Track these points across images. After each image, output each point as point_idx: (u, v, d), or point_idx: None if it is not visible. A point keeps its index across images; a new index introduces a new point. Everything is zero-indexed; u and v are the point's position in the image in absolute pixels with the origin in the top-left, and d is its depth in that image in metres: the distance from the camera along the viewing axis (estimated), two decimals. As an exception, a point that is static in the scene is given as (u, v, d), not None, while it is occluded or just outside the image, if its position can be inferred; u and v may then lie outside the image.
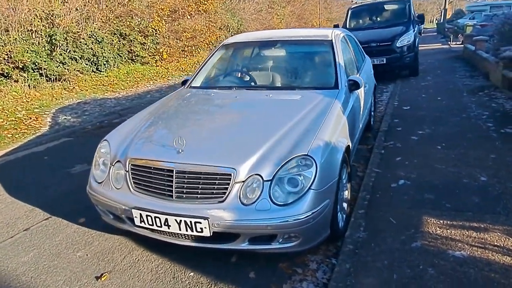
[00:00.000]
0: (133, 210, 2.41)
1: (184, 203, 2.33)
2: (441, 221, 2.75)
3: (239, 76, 3.82)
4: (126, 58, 11.26)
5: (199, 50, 14.01)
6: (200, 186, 2.31)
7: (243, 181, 2.26)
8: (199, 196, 2.32)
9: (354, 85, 3.35)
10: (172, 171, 2.36)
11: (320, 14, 24.47)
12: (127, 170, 2.54)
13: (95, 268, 2.63)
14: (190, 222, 2.27)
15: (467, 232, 2.59)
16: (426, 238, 2.57)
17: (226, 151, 2.42)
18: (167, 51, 12.29)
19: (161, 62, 12.24)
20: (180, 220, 2.29)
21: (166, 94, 9.21)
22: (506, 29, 6.84)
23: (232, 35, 16.96)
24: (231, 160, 2.32)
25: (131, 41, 11.22)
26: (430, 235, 2.60)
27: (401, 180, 3.48)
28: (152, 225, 2.39)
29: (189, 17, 13.23)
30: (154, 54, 12.01)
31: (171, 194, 2.36)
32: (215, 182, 2.29)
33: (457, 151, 4.04)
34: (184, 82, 3.98)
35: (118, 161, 2.62)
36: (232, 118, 2.88)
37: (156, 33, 11.91)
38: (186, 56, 13.45)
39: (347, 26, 9.69)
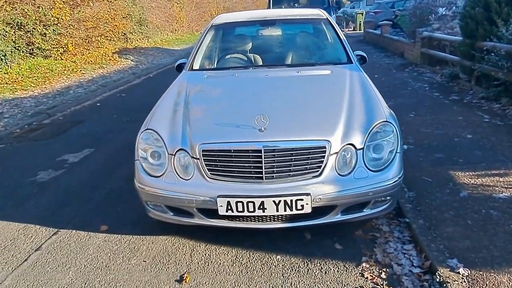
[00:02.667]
0: (218, 199, 2.20)
1: (276, 183, 2.22)
2: (467, 173, 3.14)
3: (245, 56, 3.68)
4: (25, 51, 9.72)
5: (105, 41, 12.81)
6: (292, 163, 2.23)
7: (336, 152, 2.25)
8: (291, 173, 2.23)
9: (362, 59, 3.54)
10: (259, 151, 2.21)
11: (218, 4, 24.45)
12: (198, 157, 2.29)
13: (167, 272, 2.34)
14: (291, 201, 2.18)
15: (494, 178, 3.02)
16: (467, 188, 2.91)
17: (313, 124, 2.37)
18: (72, 42, 10.95)
19: (66, 55, 10.87)
20: (279, 201, 2.18)
21: (90, 90, 8.35)
22: (418, 13, 7.89)
23: (135, 25, 15.93)
24: (323, 132, 2.29)
25: (30, 31, 9.71)
26: (468, 185, 2.95)
27: (404, 145, 3.82)
28: (243, 211, 2.22)
29: (91, 4, 11.95)
30: (57, 46, 10.59)
31: (260, 175, 2.22)
32: (309, 157, 2.24)
33: (429, 117, 4.59)
34: (179, 67, 3.68)
35: (181, 149, 2.35)
36: (285, 93, 2.79)
37: (58, 23, 10.49)
38: (91, 47, 12.17)
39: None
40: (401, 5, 14.07)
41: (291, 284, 2.18)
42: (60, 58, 10.63)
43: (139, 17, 16.13)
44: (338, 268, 2.28)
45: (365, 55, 3.57)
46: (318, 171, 2.24)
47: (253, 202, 2.19)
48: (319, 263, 2.34)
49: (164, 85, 9.24)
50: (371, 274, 2.21)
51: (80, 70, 10.16)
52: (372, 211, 2.37)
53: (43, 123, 6.08)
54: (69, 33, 10.98)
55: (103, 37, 12.65)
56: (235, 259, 2.43)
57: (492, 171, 3.12)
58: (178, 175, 2.32)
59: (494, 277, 2.04)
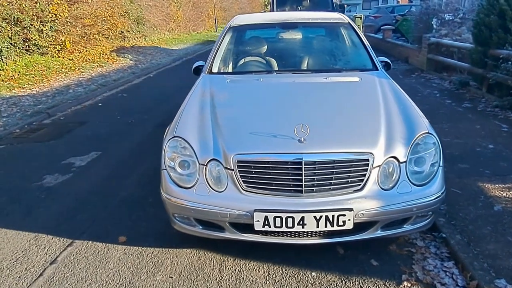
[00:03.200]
0: (255, 214, 2.07)
1: (316, 197, 2.10)
2: (497, 185, 3.06)
3: (266, 59, 3.55)
4: (21, 48, 9.46)
5: (103, 39, 12.57)
6: (333, 176, 2.11)
7: (379, 165, 2.14)
8: (332, 187, 2.11)
9: (386, 66, 3.44)
10: (299, 163, 2.09)
11: (214, 4, 24.23)
12: (232, 168, 2.16)
13: (197, 289, 2.20)
14: (333, 216, 2.06)
15: (526, 191, 2.94)
16: (500, 201, 2.83)
17: (354, 135, 2.25)
18: (70, 39, 10.70)
19: (64, 53, 10.61)
20: (321, 216, 2.06)
21: (90, 89, 8.13)
22: (424, 19, 7.85)
23: (132, 23, 15.68)
24: (366, 144, 2.17)
25: (26, 27, 9.44)
26: (501, 198, 2.87)
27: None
28: (281, 227, 2.09)
29: (89, 0, 11.70)
30: (54, 43, 10.33)
31: (300, 189, 2.10)
32: (350, 170, 2.12)
33: (446, 125, 4.51)
34: (197, 69, 3.53)
35: (213, 159, 2.21)
36: (318, 101, 2.65)
37: (55, 19, 10.24)
38: (88, 45, 11.92)
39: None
40: (402, 10, 14.10)
41: (330, 304, 2.06)
42: (57, 56, 10.38)
43: (137, 15, 15.89)
44: (378, 287, 2.17)
45: (389, 61, 3.47)
46: (360, 184, 2.12)
47: (293, 218, 2.06)
48: (357, 281, 2.22)
49: (165, 85, 9.15)
50: (415, 294, 2.10)
51: (78, 69, 9.91)
52: (412, 227, 2.26)
53: (44, 123, 5.87)
54: (67, 30, 10.73)
55: (100, 35, 12.41)
56: (268, 275, 2.30)
57: (522, 184, 3.05)
58: (211, 187, 2.18)
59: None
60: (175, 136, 2.37)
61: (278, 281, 2.24)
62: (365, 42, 3.53)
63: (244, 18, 3.95)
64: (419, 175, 2.20)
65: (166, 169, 2.31)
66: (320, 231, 2.14)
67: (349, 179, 2.12)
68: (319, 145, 2.14)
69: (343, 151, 2.13)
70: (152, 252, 2.55)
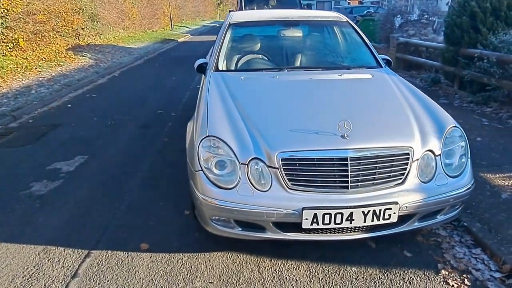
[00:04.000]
0: (304, 212, 2.05)
1: (361, 192, 2.12)
2: (497, 175, 3.27)
3: (271, 57, 3.51)
4: (-32, 45, 8.64)
5: (58, 37, 11.79)
6: (376, 171, 2.14)
7: (418, 159, 2.20)
8: (375, 181, 2.14)
9: (388, 63, 3.55)
10: (345, 159, 2.10)
11: (170, 1, 23.63)
12: (277, 167, 2.11)
13: (242, 293, 2.13)
14: (380, 210, 2.09)
15: (524, 180, 3.16)
16: (505, 190, 3.03)
17: (392, 129, 2.29)
18: (23, 37, 9.93)
19: (17, 51, 9.83)
20: (368, 211, 2.08)
21: (54, 90, 7.60)
22: (391, 19, 8.22)
23: (87, 20, 14.85)
24: (405, 138, 2.22)
25: (-26, 23, 8.64)
26: (504, 187, 3.07)
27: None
28: (329, 223, 2.09)
29: (41, -5, 10.92)
30: (6, 41, 9.54)
31: (345, 185, 2.10)
32: (392, 164, 2.16)
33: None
34: (200, 67, 3.42)
35: (255, 158, 2.15)
36: (346, 98, 2.68)
37: (6, 14, 9.45)
38: (42, 43, 11.13)
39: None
40: (361, 11, 14.63)
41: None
42: (9, 55, 9.58)
43: (91, 12, 15.11)
44: (420, 277, 2.23)
45: (389, 59, 3.58)
46: (401, 178, 2.17)
47: (342, 214, 2.07)
48: (398, 273, 2.27)
49: (134, 84, 8.79)
50: (455, 282, 2.18)
51: (36, 68, 9.22)
52: (445, 217, 2.35)
53: (11, 127, 5.40)
54: (19, 27, 9.95)
55: (54, 32, 11.64)
56: (310, 274, 2.28)
57: (520, 172, 3.28)
58: (254, 187, 2.12)
59: None
60: (209, 136, 2.27)
61: (322, 279, 2.23)
62: (366, 40, 3.62)
63: (241, 15, 3.89)
64: (451, 167, 2.29)
65: (202, 170, 2.21)
66: (365, 226, 2.15)
67: (391, 173, 2.16)
68: (363, 141, 2.16)
69: (385, 146, 2.17)
70: (182, 258, 2.43)
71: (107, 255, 2.48)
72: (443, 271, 2.27)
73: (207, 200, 2.17)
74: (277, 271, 2.30)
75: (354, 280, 2.22)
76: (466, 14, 5.44)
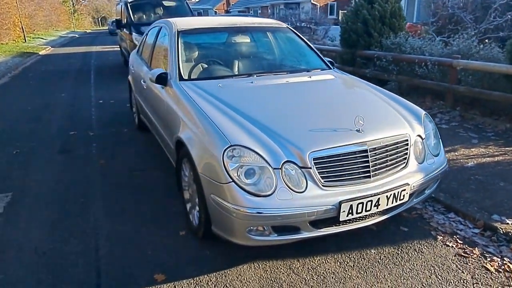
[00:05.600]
0: (342, 205, 2.17)
1: (380, 179, 2.34)
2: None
3: (232, 63, 3.48)
4: None
5: None
6: (388, 158, 2.39)
7: (413, 144, 2.54)
8: (388, 168, 2.40)
9: (332, 64, 3.92)
10: (365, 151, 2.29)
11: (20, 10, 20.59)
12: (309, 166, 2.18)
13: (295, 296, 2.13)
14: (398, 193, 2.35)
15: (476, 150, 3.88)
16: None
17: (390, 121, 2.57)
18: None
19: None
20: (390, 195, 2.31)
21: None
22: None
23: None
24: (403, 126, 2.54)
25: None
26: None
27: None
28: (361, 212, 2.26)
29: None
30: None
31: (368, 174, 2.30)
32: (397, 151, 2.45)
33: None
34: (160, 78, 3.20)
35: (287, 161, 2.18)
36: (331, 97, 2.89)
37: None
38: None
39: (132, 20, 9.30)
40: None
41: (410, 269, 2.34)
42: None
43: None
44: (426, 246, 2.57)
45: (332, 60, 3.94)
46: (404, 162, 2.47)
47: (371, 201, 2.25)
48: (408, 246, 2.57)
49: (18, 106, 7.62)
50: (452, 242, 2.59)
51: None
52: (430, 191, 2.74)
53: None
54: None
55: None
56: (340, 264, 2.40)
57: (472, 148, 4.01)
58: (292, 189, 2.15)
59: (525, 220, 2.72)
60: (232, 145, 2.20)
61: (353, 266, 2.38)
62: (310, 44, 3.91)
63: (187, 22, 3.76)
64: (433, 148, 2.70)
65: (233, 181, 2.13)
66: (384, 209, 2.38)
67: (397, 159, 2.44)
68: (374, 133, 2.38)
69: (392, 135, 2.44)
70: (210, 280, 2.29)
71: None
72: (438, 237, 2.66)
73: (245, 211, 2.10)
74: (313, 269, 2.36)
75: (379, 259, 2.44)
76: (359, 21, 6.29)
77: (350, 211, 2.21)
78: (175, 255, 2.51)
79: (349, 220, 2.28)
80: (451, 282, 2.23)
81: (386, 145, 2.39)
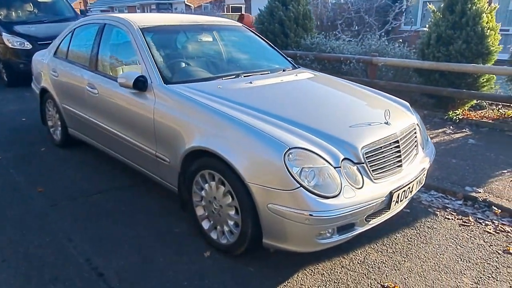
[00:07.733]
0: (394, 194, 2.26)
1: (408, 167, 2.51)
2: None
3: (208, 63, 3.20)
4: None
5: None
6: (408, 146, 2.58)
7: (417, 131, 2.80)
8: (411, 155, 2.59)
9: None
10: (397, 141, 2.43)
11: None
12: (363, 162, 2.21)
13: (369, 292, 2.13)
14: (421, 177, 2.56)
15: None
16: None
17: (400, 112, 2.79)
18: None
19: None
20: (418, 180, 2.51)
21: None
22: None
23: None
24: (410, 116, 2.77)
25: None
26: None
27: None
28: (403, 199, 2.39)
29: None
30: None
31: (400, 163, 2.44)
32: (412, 138, 2.66)
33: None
34: (137, 81, 2.77)
35: (345, 159, 2.16)
36: (336, 95, 2.95)
37: None
38: None
39: (0, 19, 7.74)
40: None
41: (439, 245, 2.58)
42: None
43: None
44: (434, 222, 2.86)
45: (291, 60, 4.01)
46: (416, 147, 2.70)
47: (410, 187, 2.41)
48: (421, 225, 2.82)
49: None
50: (449, 215, 2.94)
51: None
52: (425, 174, 3.05)
53: None
54: None
55: None
56: (383, 253, 2.49)
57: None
58: (353, 186, 2.14)
59: (498, 188, 3.26)
60: (291, 148, 2.06)
61: (393, 252, 2.50)
62: (270, 44, 3.90)
63: (142, 18, 3.31)
64: (424, 134, 3.01)
65: (301, 186, 2.01)
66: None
67: (413, 146, 2.66)
68: (397, 124, 2.54)
69: (408, 125, 2.64)
70: (276, 295, 2.11)
71: None
72: (437, 212, 2.99)
73: (319, 215, 2.00)
74: (361, 263, 2.39)
75: (409, 242, 2.61)
76: (276, 22, 6.52)
77: (397, 200, 2.31)
78: (215, 279, 2.22)
79: (384, 209, 2.38)
80: (474, 249, 2.54)
81: (406, 134, 2.57)
